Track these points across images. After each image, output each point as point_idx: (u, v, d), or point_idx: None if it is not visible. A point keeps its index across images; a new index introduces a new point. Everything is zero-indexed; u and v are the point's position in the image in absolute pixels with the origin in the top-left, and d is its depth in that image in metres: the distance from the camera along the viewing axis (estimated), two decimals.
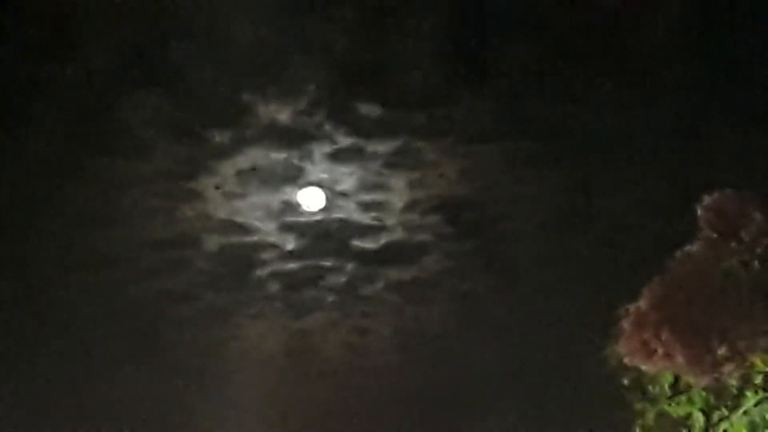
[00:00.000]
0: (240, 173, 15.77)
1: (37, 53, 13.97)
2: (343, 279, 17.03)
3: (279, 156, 15.65)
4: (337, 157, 15.70)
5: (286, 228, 16.50)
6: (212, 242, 16.48)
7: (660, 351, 10.60)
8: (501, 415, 16.50)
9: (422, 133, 15.51)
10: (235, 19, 14.44)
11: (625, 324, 11.01)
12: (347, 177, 15.97)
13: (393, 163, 15.81)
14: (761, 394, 10.93)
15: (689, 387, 11.31)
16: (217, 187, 15.87)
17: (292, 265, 16.90)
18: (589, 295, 14.80)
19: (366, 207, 16.34)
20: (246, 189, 15.98)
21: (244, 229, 16.42)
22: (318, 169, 15.86)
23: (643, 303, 10.93)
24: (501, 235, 16.22)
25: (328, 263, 16.93)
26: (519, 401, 16.30)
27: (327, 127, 15.40)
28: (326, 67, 14.96)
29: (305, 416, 17.46)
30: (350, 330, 17.54)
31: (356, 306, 17.29)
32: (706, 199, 11.25)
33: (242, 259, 16.67)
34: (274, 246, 16.68)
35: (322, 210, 16.29)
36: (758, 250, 10.73)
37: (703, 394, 11.24)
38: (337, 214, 16.40)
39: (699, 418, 11.33)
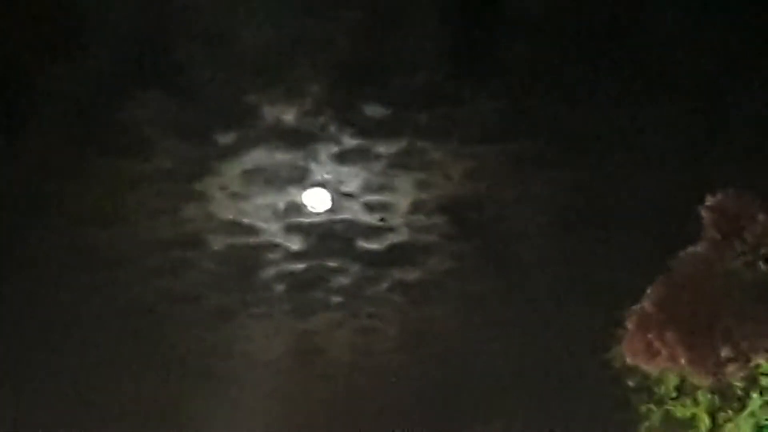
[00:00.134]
0: (245, 174, 15.82)
1: (42, 54, 14.00)
2: (348, 279, 17.03)
3: (284, 157, 15.71)
4: (342, 157, 15.74)
5: (292, 229, 16.53)
6: (217, 243, 16.52)
7: (664, 351, 10.58)
8: (505, 414, 16.47)
9: (427, 133, 15.55)
10: (240, 20, 14.48)
11: (629, 324, 10.99)
12: (352, 178, 16.00)
13: (398, 163, 15.85)
14: (766, 396, 10.88)
15: (694, 389, 11.26)
16: (222, 188, 15.90)
17: (297, 266, 16.92)
18: (594, 296, 14.77)
19: (371, 208, 16.36)
20: (251, 190, 16.04)
21: (250, 229, 16.45)
22: (323, 170, 15.90)
23: (647, 303, 10.91)
24: (506, 235, 16.21)
25: (333, 264, 16.94)
26: (524, 401, 16.26)
27: (332, 128, 15.46)
28: (331, 68, 15.01)
29: (310, 415, 17.44)
30: (355, 330, 17.53)
31: (361, 306, 17.30)
32: (710, 200, 11.22)
33: (247, 259, 16.69)
34: (279, 247, 16.69)
35: (327, 211, 16.33)
36: (762, 251, 10.71)
37: (709, 395, 11.18)
38: (343, 215, 16.44)
39: (704, 420, 11.28)
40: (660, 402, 11.60)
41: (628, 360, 11.15)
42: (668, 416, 11.53)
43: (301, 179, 15.96)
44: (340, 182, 16.05)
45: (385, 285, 17.08)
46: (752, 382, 10.90)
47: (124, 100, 14.92)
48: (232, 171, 15.79)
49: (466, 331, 16.89)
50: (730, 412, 11.07)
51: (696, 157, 14.20)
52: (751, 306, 10.39)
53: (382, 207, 16.31)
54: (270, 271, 16.87)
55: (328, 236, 16.58)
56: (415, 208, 16.31)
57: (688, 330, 10.43)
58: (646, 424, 11.80)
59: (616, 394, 11.99)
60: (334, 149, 15.64)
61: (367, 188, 16.11)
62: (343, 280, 17.03)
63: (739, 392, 10.99)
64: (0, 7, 13.49)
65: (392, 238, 16.60)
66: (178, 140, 15.47)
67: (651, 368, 11.03)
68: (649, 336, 10.66)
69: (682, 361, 10.56)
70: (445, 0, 14.62)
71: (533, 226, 16.05)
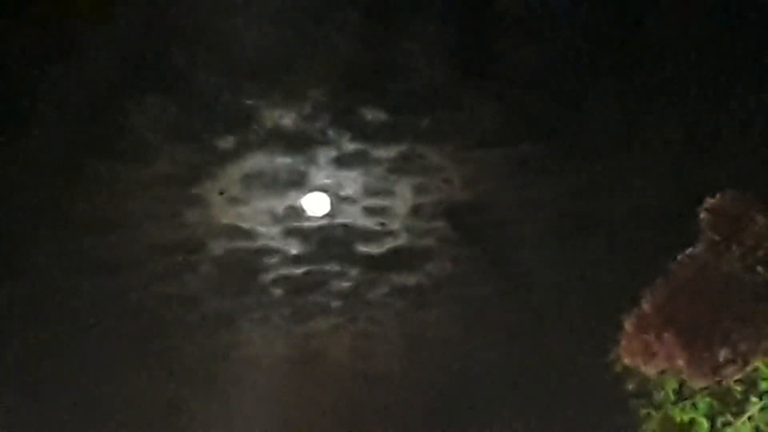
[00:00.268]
0: (244, 178, 15.80)
1: (41, 58, 14.02)
2: (347, 284, 17.02)
3: (283, 161, 15.68)
4: (341, 162, 15.72)
5: (291, 233, 16.50)
6: (217, 247, 16.50)
7: (662, 353, 10.55)
8: (505, 420, 16.45)
9: (427, 137, 15.52)
10: (240, 25, 14.49)
11: (628, 326, 10.95)
12: (352, 182, 15.98)
13: (397, 168, 15.82)
14: (766, 400, 10.83)
15: (693, 393, 11.22)
16: (221, 192, 15.90)
17: (296, 270, 16.90)
18: (594, 300, 14.77)
19: (371, 212, 16.33)
20: (250, 194, 16.01)
21: (249, 234, 16.43)
22: (322, 174, 15.88)
23: (645, 305, 10.88)
24: (506, 240, 16.18)
25: (332, 268, 16.92)
26: (524, 406, 16.24)
27: (331, 132, 15.44)
28: (330, 71, 14.98)
29: (310, 421, 17.42)
30: (355, 335, 17.51)
31: (361, 311, 17.29)
32: (709, 202, 11.18)
33: (247, 264, 16.68)
34: (278, 251, 16.67)
35: (326, 215, 16.31)
36: (760, 253, 10.66)
37: (708, 399, 11.14)
38: (342, 219, 16.41)
39: (703, 424, 11.24)
40: (659, 406, 11.55)
41: (627, 361, 11.11)
42: (667, 420, 11.48)
43: (300, 183, 15.95)
44: (340, 186, 16.04)
45: (384, 289, 17.07)
46: (751, 386, 10.87)
47: (123, 105, 14.91)
48: (231, 175, 15.78)
49: (466, 336, 16.86)
50: (729, 416, 11.02)
51: (695, 159, 14.18)
52: (750, 308, 10.36)
53: (382, 211, 16.29)
54: (269, 276, 16.86)
55: (327, 240, 16.58)
56: (415, 212, 16.29)
57: (686, 332, 10.40)
58: (645, 428, 11.76)
59: (616, 398, 11.95)
60: (334, 153, 15.63)
61: (367, 192, 16.10)
62: (343, 285, 17.02)
63: (738, 396, 10.95)
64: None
65: (392, 243, 16.59)
66: (177, 144, 15.47)
67: (649, 369, 10.98)
68: (648, 337, 10.64)
69: (681, 362, 10.53)
70: (445, 4, 14.60)
71: (533, 231, 16.03)
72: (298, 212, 16.25)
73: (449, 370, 17.08)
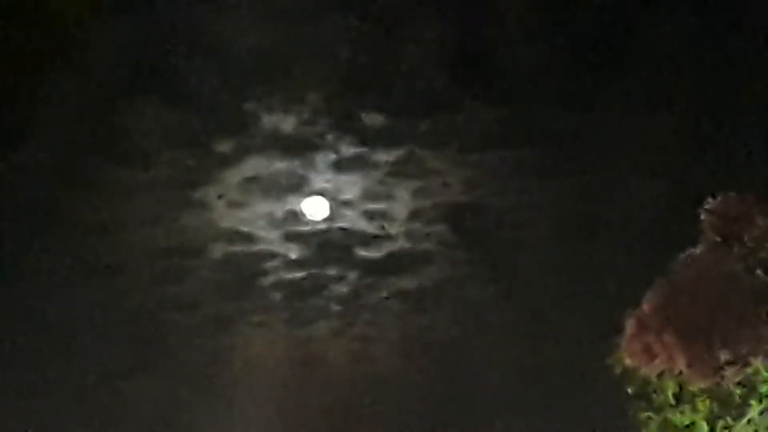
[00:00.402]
0: (243, 182, 15.83)
1: (41, 63, 14.02)
2: (347, 288, 17.00)
3: (282, 165, 15.72)
4: (340, 166, 15.74)
5: (290, 237, 16.51)
6: (216, 251, 16.50)
7: (662, 354, 10.53)
8: (506, 423, 16.41)
9: (426, 141, 15.55)
10: (239, 29, 14.51)
11: (628, 327, 10.94)
12: (351, 186, 16.00)
13: (397, 172, 15.84)
14: (765, 403, 10.82)
15: (693, 396, 11.21)
16: (220, 197, 15.91)
17: (296, 274, 16.90)
18: (594, 303, 14.75)
19: (370, 216, 16.34)
20: (249, 198, 16.03)
21: (248, 238, 16.43)
22: (321, 179, 15.91)
23: (646, 306, 10.85)
24: (505, 243, 16.19)
25: (331, 272, 16.92)
26: (523, 409, 16.20)
27: (330, 136, 15.48)
28: (329, 76, 15.03)
29: (309, 424, 17.39)
30: (354, 339, 17.49)
31: (360, 315, 17.26)
32: (710, 203, 11.17)
33: (246, 268, 16.67)
34: (277, 255, 16.67)
35: (325, 219, 16.32)
36: (761, 254, 10.65)
37: (707, 403, 11.13)
38: (341, 223, 16.43)
39: (703, 428, 11.22)
40: (659, 410, 11.54)
41: (627, 362, 11.11)
42: (667, 424, 11.47)
43: (300, 187, 15.98)
44: (339, 190, 16.07)
45: (383, 293, 17.06)
46: (751, 389, 10.86)
47: (123, 109, 14.95)
48: (231, 179, 15.79)
49: (466, 339, 16.84)
50: (728, 419, 11.01)
51: (696, 161, 14.20)
52: (751, 309, 10.35)
53: (381, 215, 16.31)
54: (268, 279, 16.85)
55: (326, 244, 16.58)
56: (415, 216, 16.30)
57: (686, 333, 10.38)
58: (645, 431, 11.75)
59: (615, 402, 11.94)
60: (333, 157, 15.67)
61: (366, 196, 16.11)
62: (342, 288, 17.01)
63: (738, 400, 10.94)
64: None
65: (391, 246, 16.59)
66: (177, 148, 15.49)
67: (650, 370, 10.97)
68: (648, 338, 10.62)
69: (681, 363, 10.51)
70: (444, 8, 14.64)
71: (533, 234, 16.03)
72: (297, 216, 16.28)
73: (449, 373, 17.04)
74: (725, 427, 11.00)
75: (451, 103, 15.25)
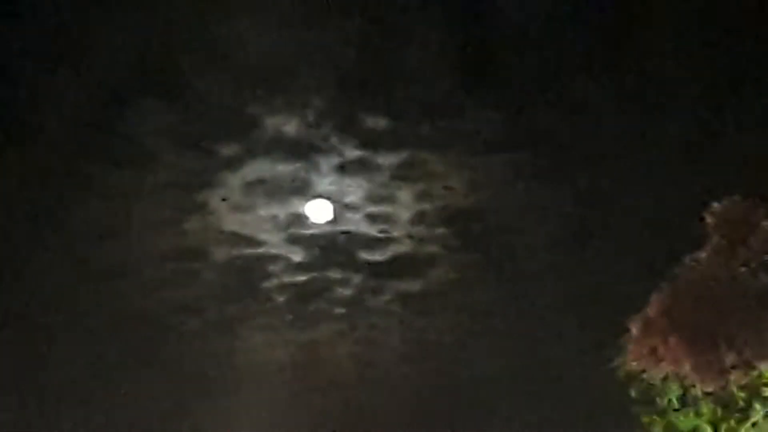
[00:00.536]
0: (247, 185, 15.81)
1: (44, 65, 14.02)
2: (350, 291, 17.05)
3: (286, 168, 15.68)
4: (344, 169, 15.72)
5: (294, 240, 16.53)
6: (220, 254, 16.52)
7: (667, 357, 10.57)
8: (508, 426, 16.45)
9: (429, 144, 15.53)
10: (242, 32, 14.50)
11: (633, 330, 10.96)
12: (354, 189, 15.99)
13: (400, 175, 15.83)
14: None
15: (697, 399, 11.22)
16: (224, 200, 15.91)
17: (299, 277, 16.94)
18: (597, 306, 14.77)
19: (373, 219, 16.35)
20: (253, 201, 16.02)
21: (252, 241, 16.45)
22: (325, 182, 15.89)
23: (651, 309, 10.90)
24: (508, 246, 16.21)
25: (335, 275, 16.95)
26: (527, 413, 16.25)
27: (334, 139, 15.44)
28: (333, 79, 14.99)
29: (312, 427, 17.44)
30: (357, 341, 17.54)
31: (363, 318, 17.31)
32: (715, 207, 11.21)
33: (250, 271, 16.70)
34: (281, 258, 16.70)
35: (329, 222, 16.32)
36: (766, 257, 10.68)
37: (711, 406, 11.15)
38: (345, 227, 16.43)
39: (707, 431, 11.24)
40: (663, 413, 11.55)
41: (633, 365, 11.12)
42: (671, 427, 11.49)
43: (303, 191, 15.96)
44: (342, 194, 16.06)
45: (387, 296, 17.12)
46: (755, 392, 10.87)
47: (126, 112, 14.91)
48: (234, 182, 15.79)
49: (469, 342, 16.89)
50: (733, 423, 11.02)
51: (700, 164, 14.19)
52: (756, 312, 10.38)
53: (384, 218, 16.32)
54: (272, 282, 16.90)
55: (330, 247, 16.61)
56: (417, 219, 16.31)
57: (692, 336, 10.42)
58: None
59: (619, 405, 11.95)
60: (336, 160, 15.64)
61: (369, 199, 16.12)
62: (345, 292, 17.06)
63: (742, 403, 10.96)
64: (1, 16, 13.52)
65: (394, 250, 16.62)
66: (180, 152, 15.47)
67: (655, 373, 10.99)
68: (653, 341, 10.65)
69: (686, 366, 10.54)
70: (447, 12, 14.63)
71: (536, 237, 16.06)
72: (300, 219, 16.27)
73: (452, 376, 17.10)
74: (729, 430, 11.02)
75: (454, 107, 15.22)
